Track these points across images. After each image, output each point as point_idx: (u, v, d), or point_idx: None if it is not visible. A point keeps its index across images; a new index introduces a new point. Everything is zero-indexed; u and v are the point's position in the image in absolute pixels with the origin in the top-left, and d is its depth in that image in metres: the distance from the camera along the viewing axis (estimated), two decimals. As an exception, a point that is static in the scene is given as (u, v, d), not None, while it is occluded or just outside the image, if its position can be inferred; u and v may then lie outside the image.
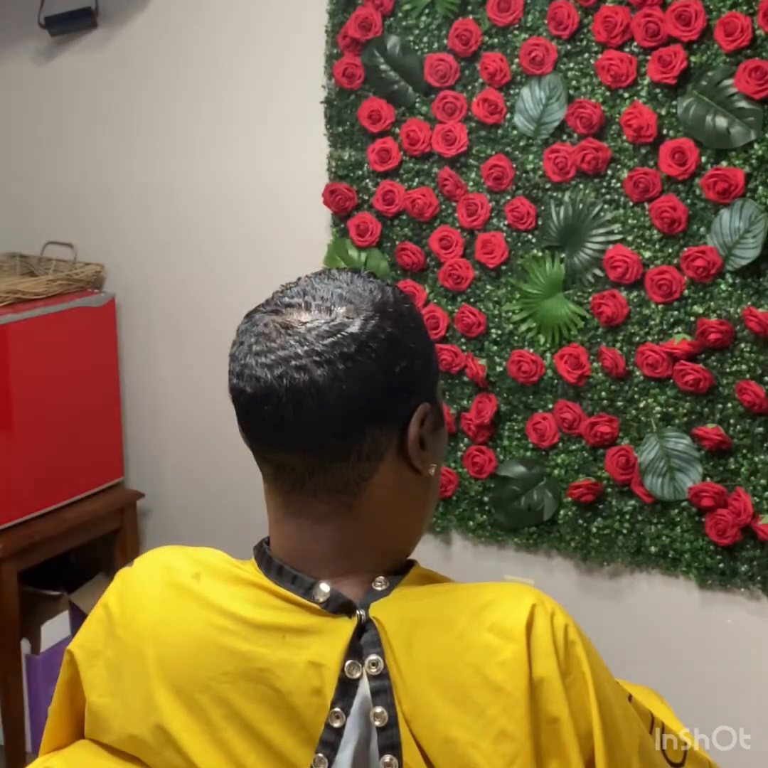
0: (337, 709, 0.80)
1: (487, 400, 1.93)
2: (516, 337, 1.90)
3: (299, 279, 0.88)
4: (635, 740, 0.82)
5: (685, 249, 1.72)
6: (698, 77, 1.68)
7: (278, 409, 0.81)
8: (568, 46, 1.78)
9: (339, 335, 0.81)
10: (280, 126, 2.13)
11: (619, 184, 1.77)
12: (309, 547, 0.86)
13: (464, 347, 1.95)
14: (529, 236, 1.86)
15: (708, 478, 1.77)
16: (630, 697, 0.87)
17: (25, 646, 2.25)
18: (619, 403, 1.83)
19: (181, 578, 0.90)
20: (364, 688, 0.81)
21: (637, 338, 1.79)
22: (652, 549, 1.84)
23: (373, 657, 0.81)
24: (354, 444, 0.82)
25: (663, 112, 1.71)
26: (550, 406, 1.89)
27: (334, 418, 0.81)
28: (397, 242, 1.99)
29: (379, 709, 0.80)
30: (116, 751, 0.88)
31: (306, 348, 0.80)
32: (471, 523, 2.01)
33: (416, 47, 1.91)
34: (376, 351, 0.81)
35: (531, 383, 1.89)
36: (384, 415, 0.83)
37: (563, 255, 1.84)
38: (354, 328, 0.81)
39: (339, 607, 0.83)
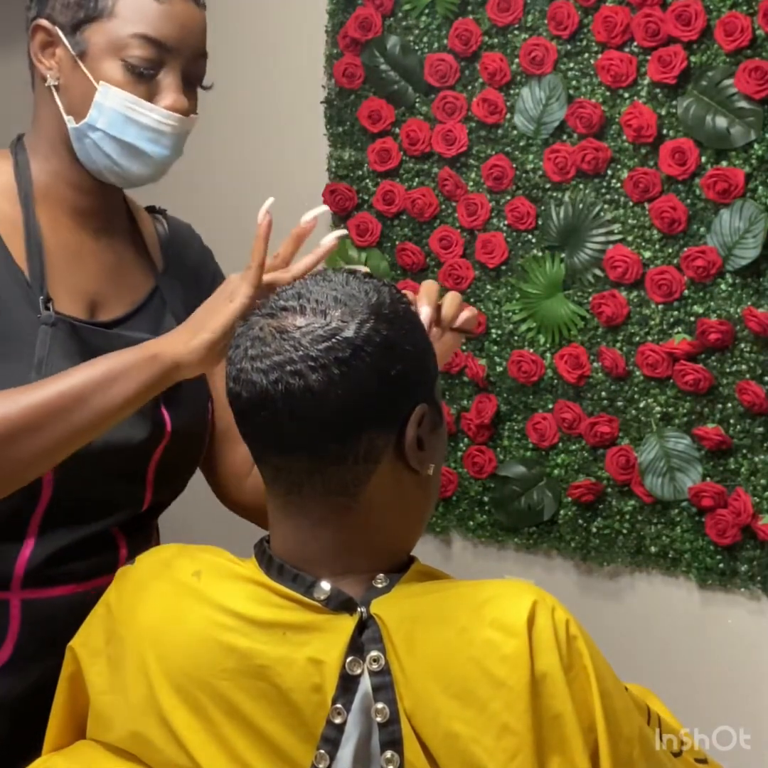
0: (338, 706, 0.81)
1: (487, 400, 1.93)
2: (516, 337, 1.90)
3: (295, 281, 0.88)
4: (635, 730, 0.83)
5: (685, 249, 1.72)
6: (698, 77, 1.68)
7: (274, 414, 0.81)
8: (568, 46, 1.78)
9: (334, 340, 0.80)
10: (280, 126, 2.13)
11: (619, 184, 1.77)
12: (308, 548, 0.86)
13: (464, 347, 1.95)
14: (529, 236, 1.86)
15: (708, 478, 1.77)
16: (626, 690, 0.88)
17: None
18: (619, 403, 1.82)
19: (181, 576, 0.90)
20: (365, 685, 0.81)
21: (637, 338, 1.79)
22: (652, 549, 1.84)
23: (374, 653, 0.81)
24: (351, 447, 0.82)
25: (663, 112, 1.71)
26: (550, 406, 1.89)
27: (330, 423, 0.81)
28: (397, 242, 1.99)
29: (380, 705, 0.80)
30: (118, 751, 0.89)
31: (301, 353, 0.80)
32: (471, 523, 2.01)
33: (416, 47, 1.91)
34: (372, 355, 0.81)
35: (531, 383, 1.89)
36: (380, 418, 0.83)
37: (563, 255, 1.84)
38: (349, 332, 0.81)
39: (340, 604, 0.83)
